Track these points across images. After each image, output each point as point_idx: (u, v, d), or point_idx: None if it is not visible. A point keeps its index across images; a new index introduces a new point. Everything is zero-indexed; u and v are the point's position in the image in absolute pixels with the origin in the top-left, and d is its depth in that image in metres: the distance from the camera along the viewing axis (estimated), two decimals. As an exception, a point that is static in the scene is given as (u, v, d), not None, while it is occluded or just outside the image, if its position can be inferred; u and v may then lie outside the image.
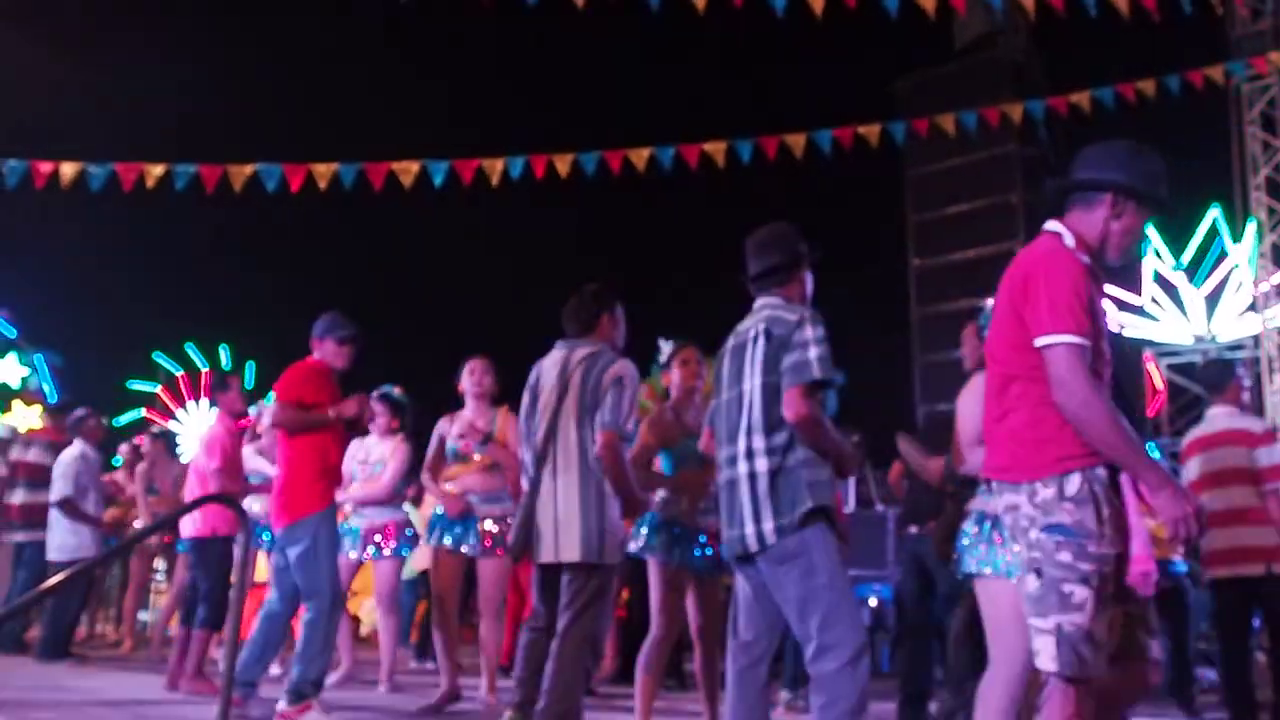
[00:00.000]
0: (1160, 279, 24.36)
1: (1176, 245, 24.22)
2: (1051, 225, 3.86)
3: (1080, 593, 3.46)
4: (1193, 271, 23.96)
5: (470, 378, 8.03)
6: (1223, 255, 23.32)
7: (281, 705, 6.59)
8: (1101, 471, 3.56)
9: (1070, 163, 4.02)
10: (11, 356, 26.73)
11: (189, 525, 8.53)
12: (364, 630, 15.48)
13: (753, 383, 4.70)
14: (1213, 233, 23.41)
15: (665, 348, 6.91)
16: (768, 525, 4.56)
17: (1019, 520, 3.62)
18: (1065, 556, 3.48)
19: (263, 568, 10.83)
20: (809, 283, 5.08)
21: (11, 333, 26.29)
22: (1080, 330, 3.54)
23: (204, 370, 35.25)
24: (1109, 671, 3.56)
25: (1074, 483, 3.52)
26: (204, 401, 33.56)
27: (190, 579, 8.76)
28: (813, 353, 4.53)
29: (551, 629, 5.66)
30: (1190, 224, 23.90)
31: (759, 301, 4.97)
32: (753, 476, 4.63)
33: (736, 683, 4.83)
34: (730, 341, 4.96)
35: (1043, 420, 3.61)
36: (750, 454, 4.65)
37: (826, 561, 4.50)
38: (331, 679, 8.19)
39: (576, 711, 5.47)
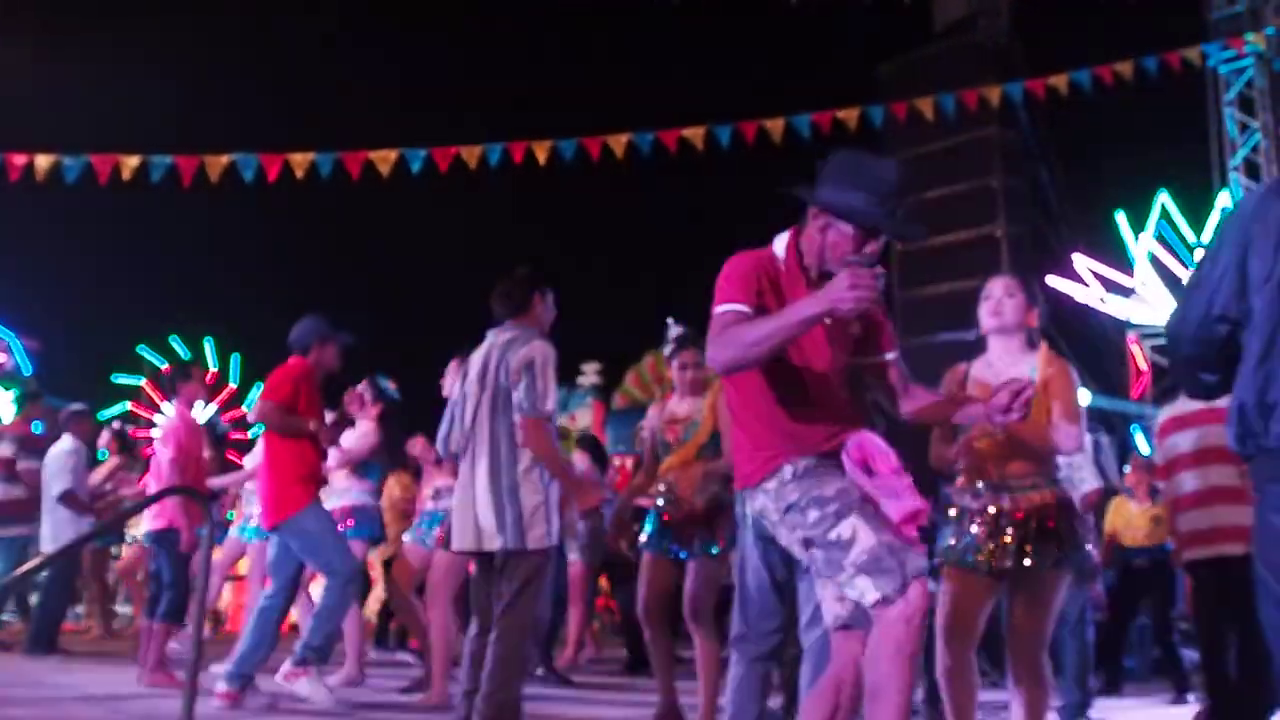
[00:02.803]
0: (1153, 260, 24.37)
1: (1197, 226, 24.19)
2: (779, 236, 3.98)
3: (846, 527, 3.59)
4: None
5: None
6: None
7: (285, 666, 6.87)
8: (806, 461, 3.75)
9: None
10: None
11: (150, 518, 8.55)
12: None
13: None
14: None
15: (673, 329, 6.83)
16: None
17: (769, 517, 3.82)
18: (814, 514, 3.64)
19: (243, 561, 10.84)
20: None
21: None
22: (734, 299, 3.71)
23: (210, 370, 35.28)
24: None
25: (787, 471, 3.74)
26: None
27: (153, 571, 8.74)
28: None
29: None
30: (1202, 206, 23.96)
31: None
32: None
33: (746, 675, 4.80)
34: None
35: (747, 431, 3.87)
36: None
37: None
38: (332, 680, 8.19)
39: (515, 701, 5.45)
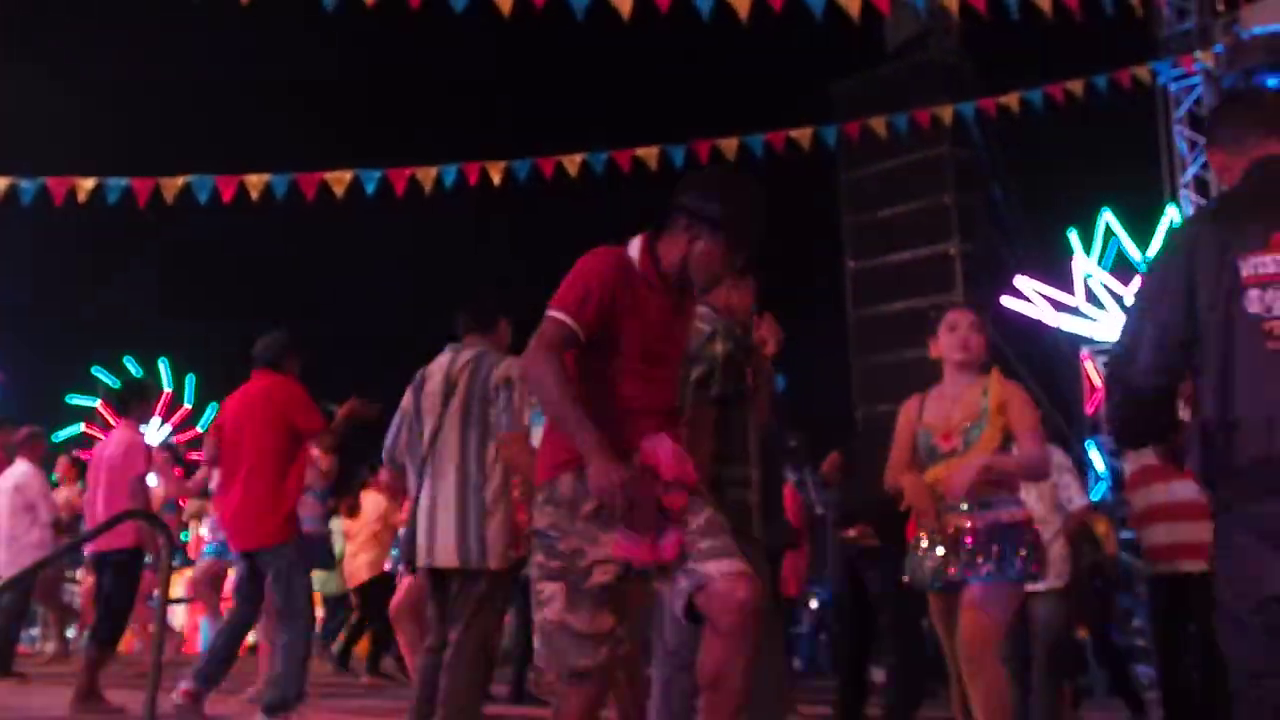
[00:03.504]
0: (1090, 279, 24.57)
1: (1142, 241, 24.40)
2: (632, 240, 3.91)
3: (549, 588, 3.58)
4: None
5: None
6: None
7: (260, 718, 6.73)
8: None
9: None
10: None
11: (102, 539, 8.43)
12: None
13: None
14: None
15: None
16: None
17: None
18: (539, 557, 3.63)
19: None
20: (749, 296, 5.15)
21: None
22: (567, 310, 3.64)
23: (164, 390, 35.08)
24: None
25: (564, 484, 3.61)
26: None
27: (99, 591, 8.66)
28: (718, 365, 4.64)
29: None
30: (1132, 222, 24.17)
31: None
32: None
33: (662, 691, 4.83)
34: None
35: (549, 430, 3.77)
36: None
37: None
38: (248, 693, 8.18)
39: (478, 712, 5.45)
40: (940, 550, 5.03)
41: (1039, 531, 5.15)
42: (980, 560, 4.90)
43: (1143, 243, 23.82)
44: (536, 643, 3.61)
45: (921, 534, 5.18)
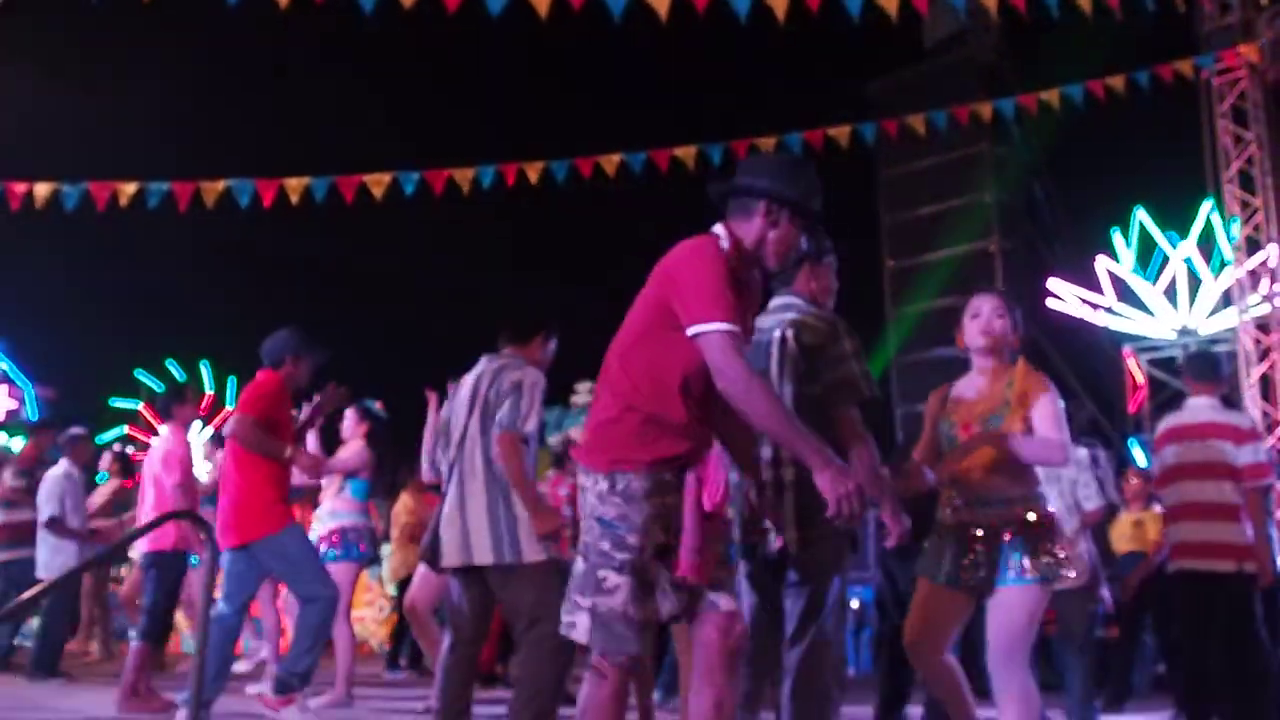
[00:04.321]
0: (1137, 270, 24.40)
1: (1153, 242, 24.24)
2: (718, 227, 3.93)
3: (615, 578, 3.63)
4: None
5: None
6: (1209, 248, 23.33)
7: (266, 691, 6.79)
8: (665, 476, 3.71)
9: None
10: (2, 387, 26.74)
11: (145, 539, 8.52)
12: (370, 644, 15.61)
13: (782, 390, 4.73)
14: (1207, 227, 23.34)
15: None
16: (791, 534, 4.66)
17: (585, 500, 3.78)
18: (605, 545, 3.66)
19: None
20: (830, 277, 5.16)
21: (6, 362, 26.32)
22: (731, 318, 3.62)
23: (207, 392, 35.30)
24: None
25: (622, 481, 3.67)
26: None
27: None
28: (856, 368, 4.64)
29: (475, 639, 5.67)
30: (1174, 218, 23.97)
31: (778, 300, 5.00)
32: (779, 484, 4.69)
33: None
34: None
35: (616, 419, 3.76)
36: (777, 461, 4.70)
37: (839, 584, 4.71)
38: (320, 700, 8.19)
39: (555, 707, 5.48)
40: (958, 548, 5.01)
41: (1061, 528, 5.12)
42: (1009, 563, 4.87)
43: (1182, 237, 23.63)
44: (582, 624, 3.65)
45: (939, 530, 5.16)
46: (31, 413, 26.58)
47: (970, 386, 5.20)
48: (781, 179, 3.89)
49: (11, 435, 22.57)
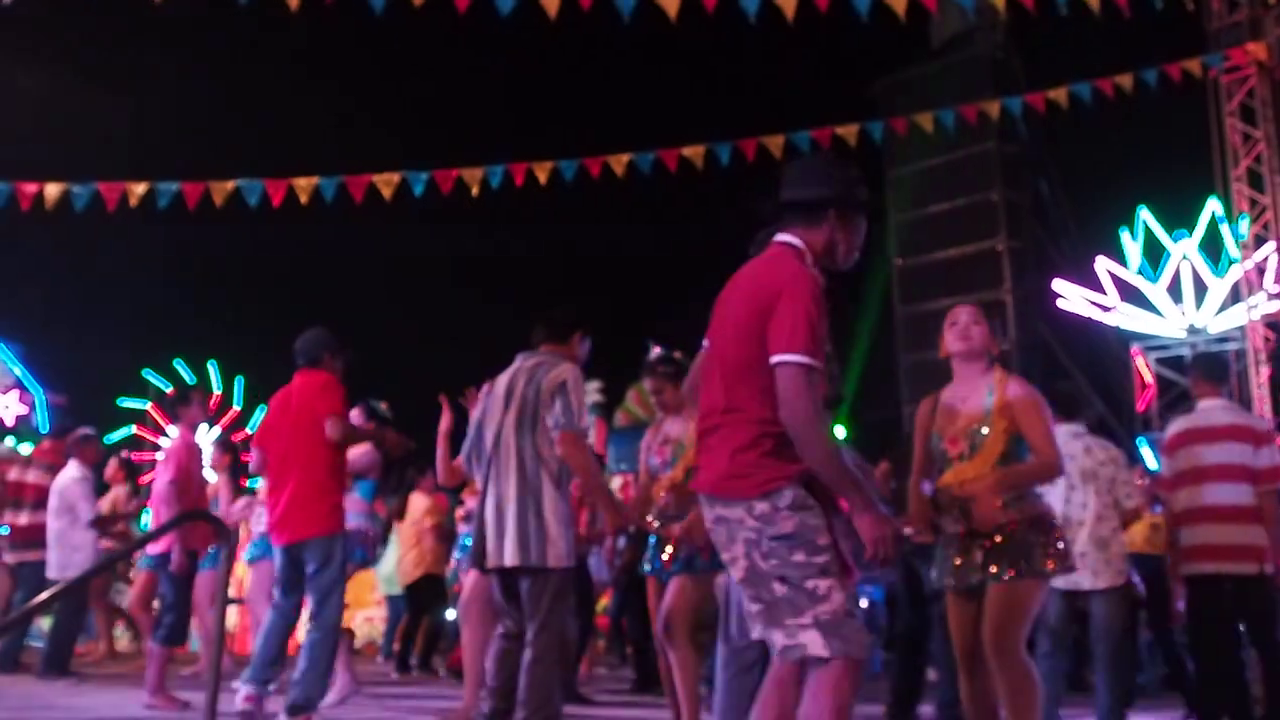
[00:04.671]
0: (1144, 269, 24.38)
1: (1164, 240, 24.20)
2: (786, 237, 3.96)
3: (824, 583, 3.64)
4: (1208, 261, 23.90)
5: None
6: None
7: (281, 718, 6.72)
8: (805, 485, 3.72)
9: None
10: (13, 392, 26.83)
11: (155, 542, 8.57)
12: (359, 643, 15.58)
13: None
14: (1212, 225, 23.29)
15: (652, 353, 6.90)
16: None
17: (739, 530, 3.73)
18: (798, 558, 3.65)
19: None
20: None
21: (17, 365, 26.43)
22: (812, 352, 3.66)
23: (215, 393, 35.39)
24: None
25: (783, 498, 3.67)
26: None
27: (160, 593, 8.78)
28: (830, 370, 4.65)
29: (520, 636, 5.70)
30: (1178, 218, 23.97)
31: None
32: None
33: (726, 689, 4.84)
34: None
35: (754, 443, 3.74)
36: None
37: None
38: (329, 699, 8.22)
39: (558, 711, 5.50)
40: (954, 553, 5.09)
41: (1057, 524, 5.17)
42: (994, 565, 4.96)
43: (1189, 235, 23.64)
44: (812, 639, 3.63)
45: (940, 536, 5.22)
46: (41, 419, 26.66)
47: (955, 394, 5.32)
48: (854, 181, 4.02)
49: (20, 441, 22.63)
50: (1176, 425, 7.34)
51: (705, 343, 4.11)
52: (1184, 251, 23.63)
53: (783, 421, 3.65)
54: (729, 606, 4.88)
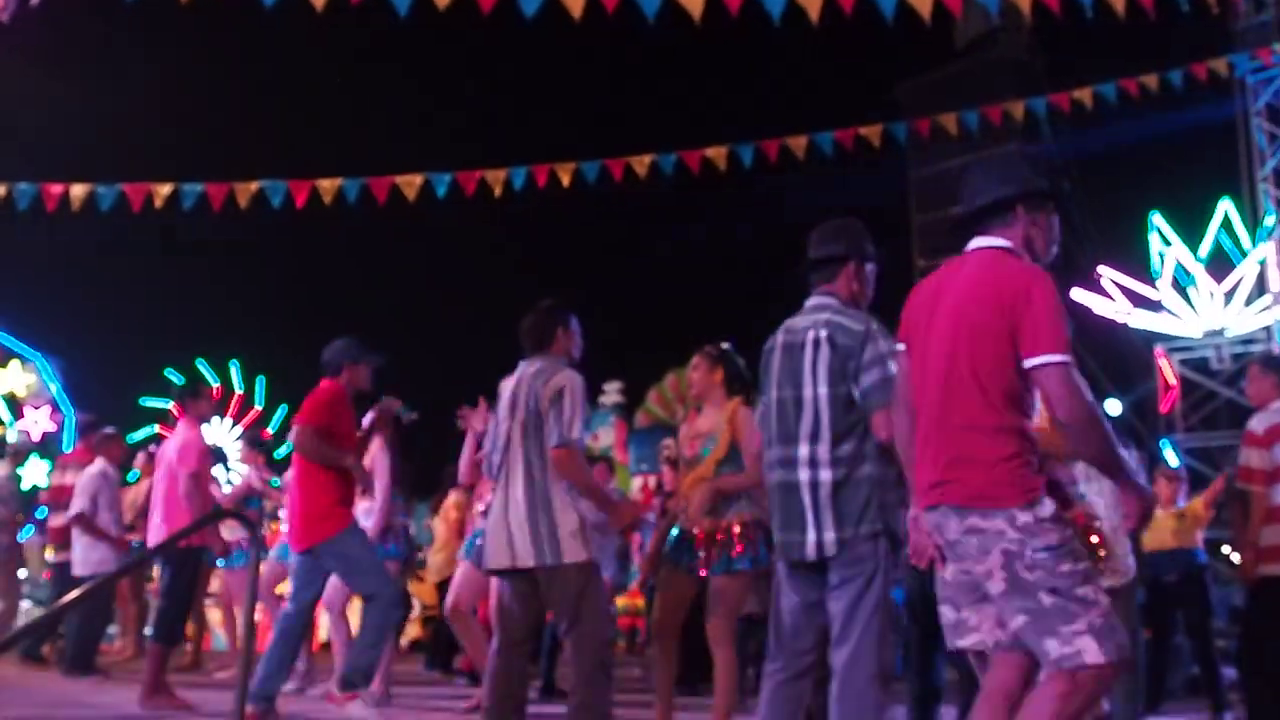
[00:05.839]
0: (1179, 272, 24.25)
1: (1191, 240, 24.07)
2: (991, 240, 4.04)
3: (1089, 589, 3.69)
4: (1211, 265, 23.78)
5: None
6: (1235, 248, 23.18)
7: (332, 688, 7.00)
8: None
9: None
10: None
11: (154, 533, 8.60)
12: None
13: (816, 390, 4.76)
14: (1227, 225, 23.19)
15: (724, 346, 6.95)
16: (829, 535, 4.66)
17: (992, 543, 3.74)
18: (1066, 567, 3.68)
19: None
20: (867, 282, 5.17)
21: (55, 381, 26.60)
22: (1068, 351, 3.74)
23: (215, 386, 35.42)
24: None
25: (1044, 508, 3.73)
26: (216, 417, 33.60)
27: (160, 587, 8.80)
28: (894, 369, 4.56)
29: (524, 641, 5.71)
30: (1202, 218, 23.84)
31: (813, 300, 5.02)
32: (815, 485, 4.71)
33: (773, 695, 4.82)
34: (780, 338, 5.01)
35: (1015, 453, 3.77)
36: (814, 462, 4.73)
37: (881, 584, 4.65)
38: (289, 686, 8.27)
39: (606, 705, 5.50)
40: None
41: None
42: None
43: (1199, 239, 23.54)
44: (1088, 645, 3.65)
45: None
46: (69, 440, 26.79)
47: None
48: (1016, 179, 4.09)
49: (44, 458, 22.81)
50: (1265, 420, 7.13)
51: (900, 346, 4.19)
52: (1206, 252, 23.52)
53: (1061, 421, 3.72)
54: (778, 610, 4.86)
